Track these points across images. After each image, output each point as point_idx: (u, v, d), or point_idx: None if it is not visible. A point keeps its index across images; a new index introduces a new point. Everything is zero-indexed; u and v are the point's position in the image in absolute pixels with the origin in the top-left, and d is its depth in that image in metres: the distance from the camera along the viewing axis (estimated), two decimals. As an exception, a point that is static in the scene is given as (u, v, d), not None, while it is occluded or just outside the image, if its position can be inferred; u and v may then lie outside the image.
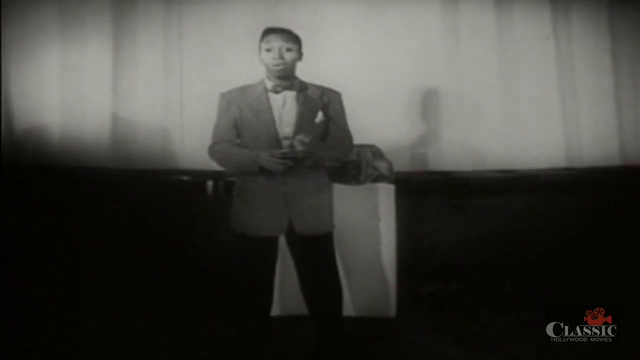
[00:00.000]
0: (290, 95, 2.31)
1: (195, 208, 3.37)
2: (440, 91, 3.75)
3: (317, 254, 2.37)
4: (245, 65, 3.52)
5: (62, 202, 3.32)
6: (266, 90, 2.31)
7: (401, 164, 3.43)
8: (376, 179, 3.08)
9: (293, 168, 2.22)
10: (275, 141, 2.27)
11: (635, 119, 3.92)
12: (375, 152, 3.15)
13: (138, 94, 3.66)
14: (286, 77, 2.31)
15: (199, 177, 3.44)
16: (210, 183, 3.39)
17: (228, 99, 2.34)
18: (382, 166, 3.10)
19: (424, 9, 3.77)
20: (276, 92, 2.31)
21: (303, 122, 2.29)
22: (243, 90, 2.34)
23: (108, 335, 2.77)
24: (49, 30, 3.62)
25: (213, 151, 2.36)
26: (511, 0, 3.84)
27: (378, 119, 3.59)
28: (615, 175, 3.75)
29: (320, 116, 2.32)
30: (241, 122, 2.31)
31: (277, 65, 2.26)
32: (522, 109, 3.81)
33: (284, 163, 2.18)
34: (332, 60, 3.59)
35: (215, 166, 3.61)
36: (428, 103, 3.74)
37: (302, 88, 2.33)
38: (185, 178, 3.49)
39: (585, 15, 3.91)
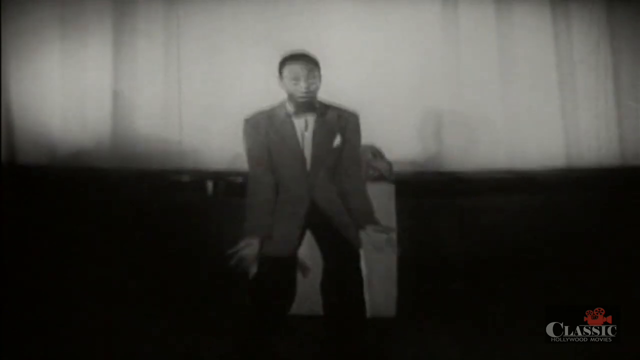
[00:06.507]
0: (311, 118, 2.33)
1: (195, 208, 3.37)
2: (440, 91, 3.74)
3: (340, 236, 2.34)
4: (245, 66, 3.59)
5: (62, 202, 3.32)
6: (288, 114, 2.33)
7: (401, 164, 3.42)
8: (376, 179, 3.08)
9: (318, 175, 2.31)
10: (301, 162, 2.31)
11: (635, 119, 3.92)
12: (375, 152, 3.15)
13: (138, 93, 3.67)
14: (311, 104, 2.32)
15: (199, 177, 3.44)
16: (210, 183, 3.39)
17: (255, 124, 2.34)
18: (382, 166, 3.10)
19: (423, 10, 3.77)
20: (297, 116, 2.32)
21: (322, 148, 2.32)
22: (267, 115, 2.35)
23: (108, 335, 2.77)
24: (50, 30, 3.62)
25: (250, 180, 2.35)
26: (511, 1, 3.84)
27: (377, 119, 3.58)
28: (615, 175, 3.75)
29: (338, 140, 2.34)
30: (269, 145, 2.33)
31: (304, 97, 2.26)
32: (522, 109, 3.81)
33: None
34: (331, 60, 3.58)
35: (214, 166, 3.68)
36: (428, 103, 3.74)
37: (322, 111, 2.34)
38: (185, 178, 3.49)
39: (585, 15, 3.91)
